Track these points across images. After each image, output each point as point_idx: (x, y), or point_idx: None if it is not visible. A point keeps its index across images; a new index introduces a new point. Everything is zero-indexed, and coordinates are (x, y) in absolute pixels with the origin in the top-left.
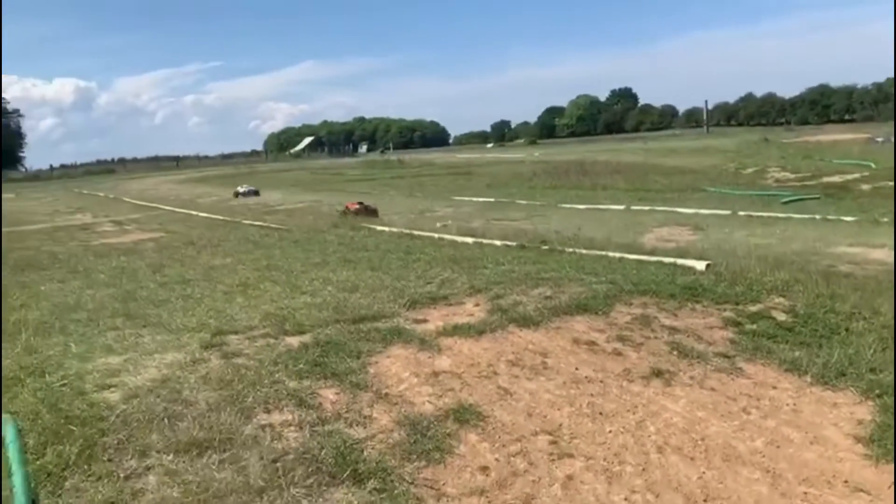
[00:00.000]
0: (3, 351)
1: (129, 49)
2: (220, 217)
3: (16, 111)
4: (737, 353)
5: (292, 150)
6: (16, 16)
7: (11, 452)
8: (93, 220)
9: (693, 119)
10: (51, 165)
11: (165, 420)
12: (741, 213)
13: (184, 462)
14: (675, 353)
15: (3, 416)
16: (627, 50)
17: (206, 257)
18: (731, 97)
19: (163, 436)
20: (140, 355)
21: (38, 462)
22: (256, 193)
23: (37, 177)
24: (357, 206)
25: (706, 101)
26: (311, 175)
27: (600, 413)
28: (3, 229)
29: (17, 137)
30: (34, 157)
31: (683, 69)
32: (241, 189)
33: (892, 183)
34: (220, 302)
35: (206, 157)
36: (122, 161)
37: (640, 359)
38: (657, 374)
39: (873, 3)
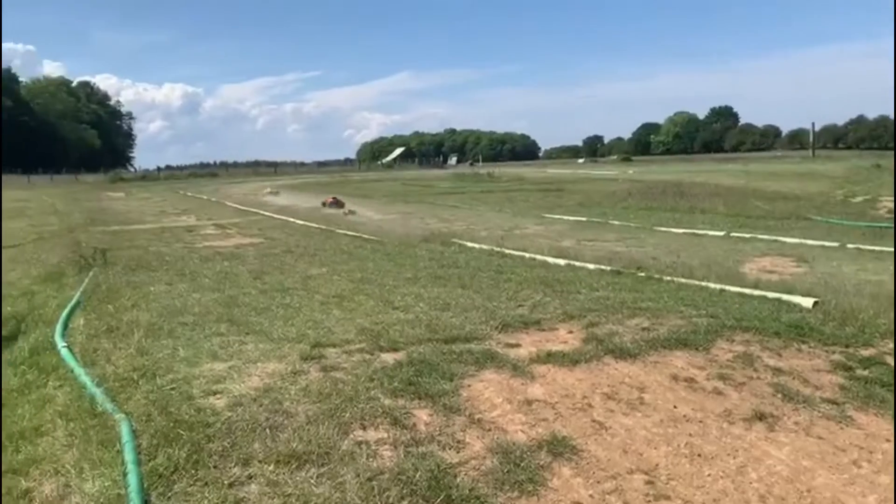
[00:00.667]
0: (116, 349)
1: (234, 57)
2: (316, 225)
3: (128, 114)
4: (846, 401)
5: (384, 161)
6: (133, 24)
7: (126, 452)
8: (196, 222)
9: (797, 141)
10: (158, 167)
11: (267, 430)
12: (850, 245)
13: (284, 474)
14: (779, 395)
15: (118, 416)
16: (729, 66)
17: (303, 266)
18: (840, 119)
19: (264, 445)
20: (243, 363)
21: (150, 463)
22: (341, 205)
23: (144, 177)
24: (331, 200)
25: (812, 123)
26: (402, 186)
27: (699, 455)
28: (116, 228)
29: (128, 138)
30: (142, 157)
31: (789, 87)
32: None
33: None
34: (317, 313)
35: (302, 164)
36: (223, 164)
37: (742, 400)
38: (760, 417)
39: None
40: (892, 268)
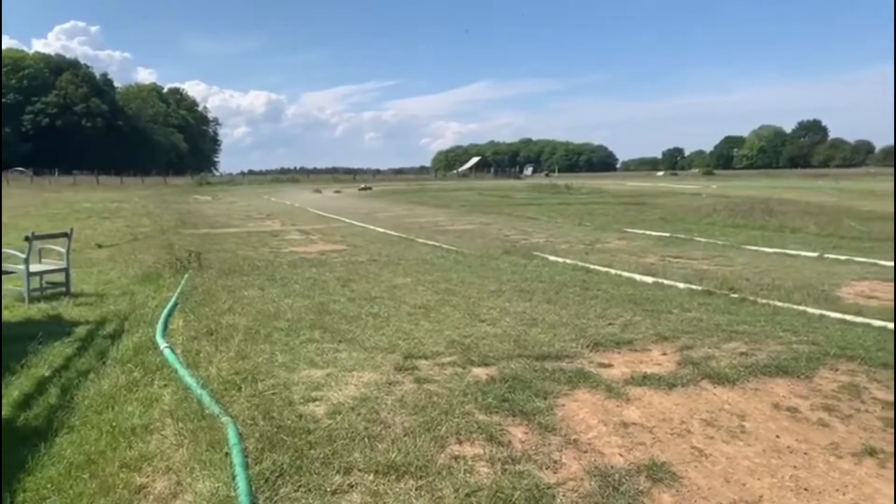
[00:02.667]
0: (217, 352)
1: (317, 66)
2: (395, 233)
3: (214, 119)
4: None
5: (459, 170)
6: (222, 34)
7: (234, 455)
8: (281, 227)
9: (891, 157)
10: (241, 171)
11: (366, 439)
12: None
13: (384, 484)
14: (889, 430)
15: (225, 419)
16: (819, 77)
17: (387, 275)
18: None
19: (364, 455)
20: (339, 371)
21: (257, 467)
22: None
23: (230, 181)
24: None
25: None
26: (478, 196)
27: (805, 489)
28: (205, 230)
29: (214, 143)
30: (226, 161)
31: (883, 100)
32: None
33: None
34: (406, 323)
35: (379, 171)
36: (303, 170)
37: (850, 433)
38: (870, 452)
39: None
40: None
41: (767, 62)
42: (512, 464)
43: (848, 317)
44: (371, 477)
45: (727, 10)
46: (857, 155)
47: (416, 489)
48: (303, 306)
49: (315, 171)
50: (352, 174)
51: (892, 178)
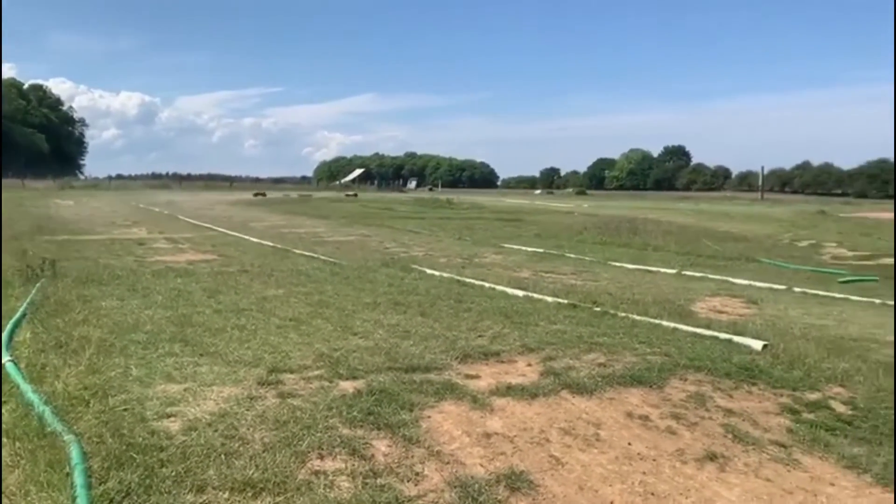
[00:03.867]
0: (66, 366)
1: (194, 68)
2: (271, 244)
3: (81, 120)
4: (794, 444)
5: (342, 181)
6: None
7: (76, 475)
8: (148, 235)
9: (746, 182)
10: (109, 175)
11: (223, 456)
12: (797, 289)
13: (239, 502)
14: (730, 436)
15: (68, 437)
16: (684, 106)
17: (258, 286)
18: (787, 164)
19: (219, 472)
20: (198, 386)
21: (101, 487)
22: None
23: (96, 185)
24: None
25: (762, 167)
26: (361, 207)
27: (652, 494)
28: (64, 237)
29: (80, 145)
30: (94, 165)
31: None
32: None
33: None
34: (274, 336)
35: (258, 180)
36: (177, 176)
37: (695, 439)
38: (711, 457)
39: None
40: (839, 313)
41: (638, 90)
42: (373, 477)
43: (699, 330)
44: (226, 495)
45: (600, 40)
46: (717, 179)
47: None
48: (164, 318)
49: (189, 178)
50: (228, 181)
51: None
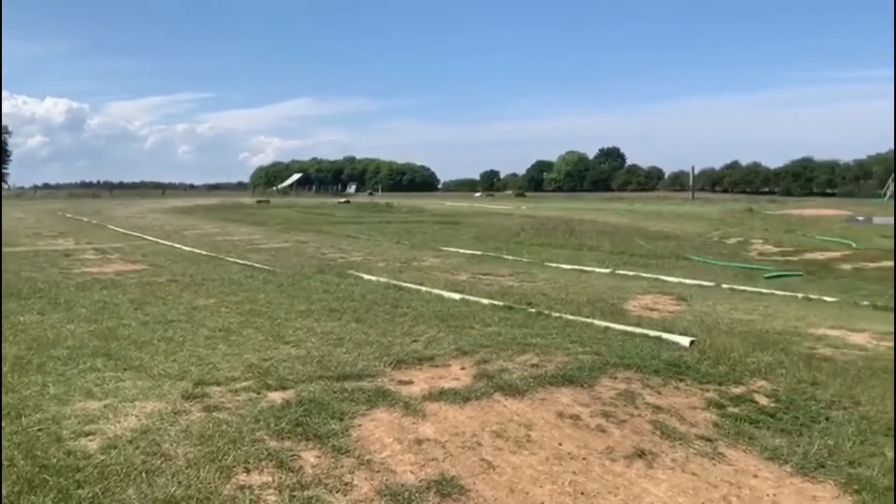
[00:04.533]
0: None
1: (124, 73)
2: (204, 252)
3: (3, 127)
4: (719, 437)
5: (279, 186)
6: (10, 33)
7: None
8: (75, 246)
9: (678, 182)
10: (35, 185)
11: (143, 474)
12: (725, 285)
13: None
14: (657, 433)
15: None
16: (618, 109)
17: (188, 296)
18: (718, 164)
19: (139, 491)
20: (120, 402)
21: None
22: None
23: (20, 195)
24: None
25: (693, 167)
26: (298, 213)
27: (582, 493)
28: None
29: (2, 154)
30: (18, 174)
31: (671, 133)
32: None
33: (872, 265)
34: (202, 348)
35: (192, 187)
36: (107, 184)
37: (624, 437)
38: (640, 454)
39: (858, 82)
40: (764, 308)
41: (573, 95)
42: (301, 490)
43: (629, 328)
44: None
45: (536, 46)
46: (650, 180)
47: None
48: (87, 332)
49: (122, 186)
50: (161, 189)
51: (679, 202)
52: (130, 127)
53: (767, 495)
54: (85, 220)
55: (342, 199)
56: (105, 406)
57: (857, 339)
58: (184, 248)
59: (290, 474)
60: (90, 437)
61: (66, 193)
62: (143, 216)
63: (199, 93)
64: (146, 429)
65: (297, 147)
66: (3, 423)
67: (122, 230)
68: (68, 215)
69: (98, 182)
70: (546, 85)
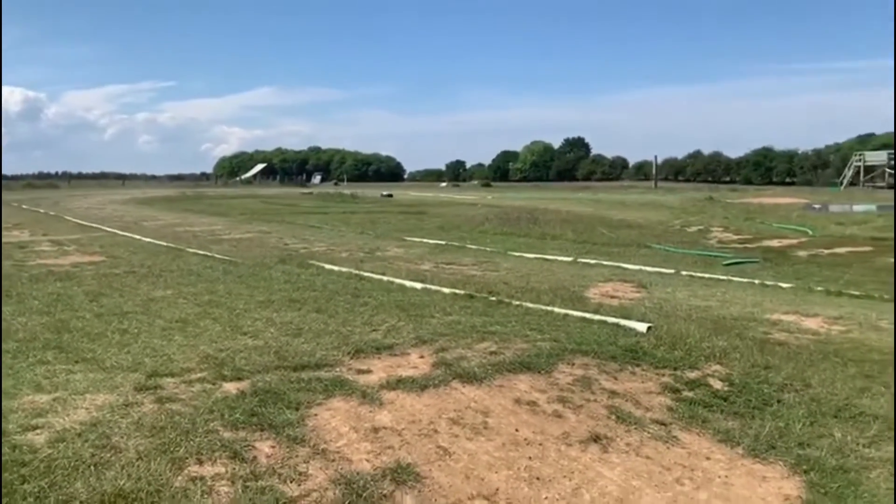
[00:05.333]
0: None
1: (82, 62)
2: (164, 243)
3: None
4: (673, 421)
5: (243, 176)
6: None
7: None
8: (31, 238)
9: (642, 172)
10: None
11: (92, 467)
12: (684, 272)
13: None
14: (613, 417)
15: None
16: (583, 100)
17: (146, 288)
18: (680, 153)
19: (87, 484)
20: (70, 394)
21: None
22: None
23: None
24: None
25: (655, 157)
26: (262, 204)
27: (537, 478)
28: None
29: None
30: None
31: (635, 123)
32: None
33: (827, 252)
34: (157, 339)
35: (154, 178)
36: (66, 175)
37: (580, 422)
38: (595, 439)
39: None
40: (722, 294)
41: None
42: (255, 480)
43: (588, 315)
44: None
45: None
46: (615, 169)
47: None
48: (39, 324)
49: (81, 176)
50: (121, 179)
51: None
52: (89, 116)
53: (719, 476)
54: (42, 211)
55: (305, 191)
56: (54, 399)
57: (811, 323)
58: (143, 239)
59: (244, 465)
60: (37, 431)
61: (22, 184)
62: (103, 207)
63: (159, 81)
64: (96, 421)
65: (260, 137)
66: None
67: (80, 221)
68: (24, 206)
69: (56, 173)
70: (509, 74)
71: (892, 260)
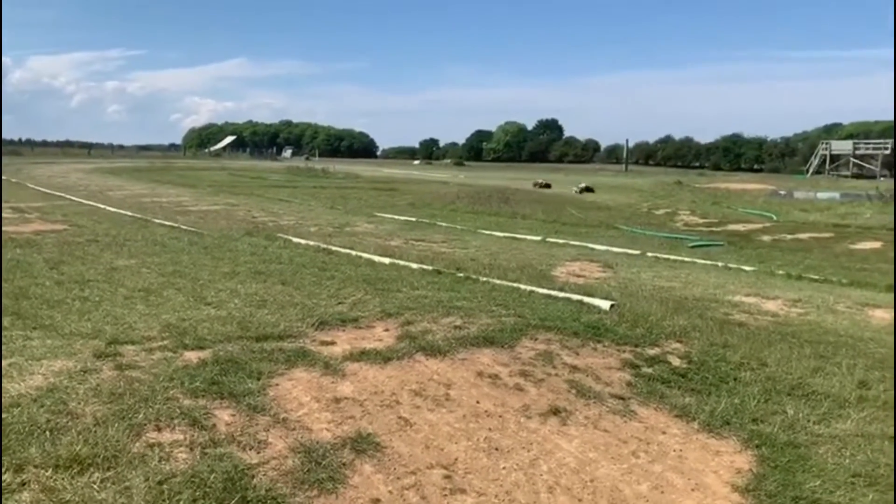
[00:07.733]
0: None
1: (48, 25)
2: (130, 213)
3: None
4: (632, 396)
5: (212, 148)
6: None
7: None
8: None
9: (614, 155)
10: None
11: (47, 433)
12: (650, 253)
13: (63, 479)
14: (573, 391)
15: None
16: (556, 81)
17: (109, 256)
18: (651, 138)
19: (42, 449)
20: (26, 360)
21: None
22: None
23: None
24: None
25: (627, 140)
26: (230, 176)
27: (496, 449)
28: None
29: None
30: None
31: (608, 106)
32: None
33: (790, 237)
34: (119, 307)
35: (121, 147)
36: (29, 142)
37: (540, 395)
38: (554, 412)
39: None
40: (686, 275)
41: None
42: (213, 447)
43: (553, 292)
44: (48, 472)
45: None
46: (587, 152)
47: (101, 481)
48: None
49: (45, 144)
50: (87, 148)
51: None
52: (55, 83)
53: (674, 450)
54: (3, 177)
55: (583, 186)
56: (9, 364)
57: (770, 305)
58: (108, 208)
59: (203, 432)
60: None
61: None
62: (67, 175)
63: (128, 50)
64: (53, 387)
65: (231, 109)
66: None
67: (43, 189)
68: None
69: (19, 139)
70: (483, 53)
71: (852, 246)
